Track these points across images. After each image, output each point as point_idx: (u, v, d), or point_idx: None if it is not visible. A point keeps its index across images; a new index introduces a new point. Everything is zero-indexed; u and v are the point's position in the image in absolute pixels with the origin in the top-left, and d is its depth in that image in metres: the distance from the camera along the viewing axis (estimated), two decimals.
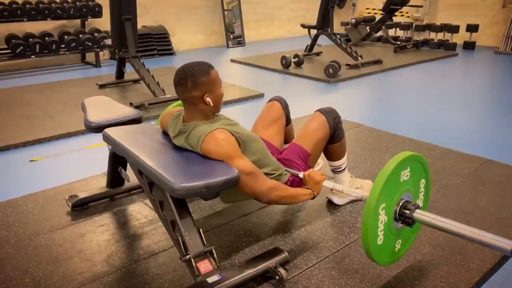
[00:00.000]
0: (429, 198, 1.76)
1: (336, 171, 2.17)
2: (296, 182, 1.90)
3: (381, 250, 1.52)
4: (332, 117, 2.01)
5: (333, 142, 2.06)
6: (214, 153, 1.58)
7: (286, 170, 1.90)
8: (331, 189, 2.20)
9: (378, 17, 7.66)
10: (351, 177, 2.25)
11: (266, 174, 1.76)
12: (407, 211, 1.52)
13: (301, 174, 1.87)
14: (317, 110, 2.06)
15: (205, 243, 1.59)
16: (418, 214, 1.52)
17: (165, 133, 1.92)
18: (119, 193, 2.34)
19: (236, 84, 5.04)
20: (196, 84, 1.61)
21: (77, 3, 6.15)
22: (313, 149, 1.99)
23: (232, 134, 1.64)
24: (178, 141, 1.73)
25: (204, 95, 1.63)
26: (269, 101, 2.20)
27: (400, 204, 1.54)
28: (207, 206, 2.23)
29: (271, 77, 5.66)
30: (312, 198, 1.81)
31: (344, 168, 2.17)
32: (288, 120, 2.21)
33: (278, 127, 2.13)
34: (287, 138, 2.21)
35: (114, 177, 2.27)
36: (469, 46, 7.45)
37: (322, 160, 2.59)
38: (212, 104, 1.66)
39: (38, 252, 1.86)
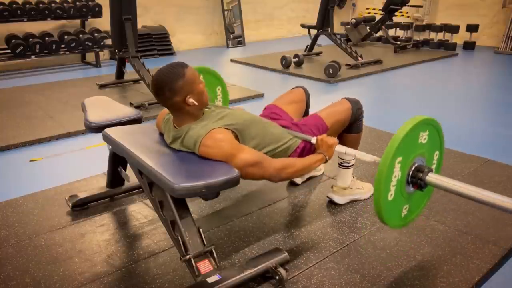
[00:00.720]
0: (441, 169, 1.74)
1: (344, 165, 2.17)
2: (307, 149, 1.88)
3: (389, 207, 1.50)
4: (357, 107, 2.06)
5: (351, 131, 2.09)
6: (214, 156, 1.58)
7: (297, 136, 1.89)
8: (332, 187, 2.22)
9: (378, 17, 7.66)
10: (353, 177, 2.25)
11: (272, 150, 1.75)
12: (420, 173, 1.52)
13: (313, 139, 1.86)
14: (344, 97, 2.10)
15: (205, 243, 1.59)
16: (431, 177, 1.51)
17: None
18: (119, 193, 2.33)
19: (236, 84, 5.04)
20: (173, 91, 1.58)
21: (77, 3, 6.15)
22: (332, 126, 1.99)
23: (228, 129, 1.62)
24: (174, 146, 1.72)
25: (186, 98, 1.60)
26: (293, 88, 2.24)
27: (414, 166, 1.53)
28: (207, 206, 2.23)
29: (271, 77, 5.65)
30: (325, 162, 1.81)
31: (352, 165, 2.18)
32: (307, 110, 2.22)
33: (298, 108, 2.14)
34: None
35: (114, 177, 2.27)
36: (469, 46, 7.44)
37: (323, 165, 2.60)
38: (196, 103, 1.63)
39: (38, 252, 1.86)
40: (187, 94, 1.60)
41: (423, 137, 1.55)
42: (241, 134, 1.68)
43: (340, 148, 1.86)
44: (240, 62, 6.54)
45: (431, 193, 1.77)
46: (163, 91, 1.59)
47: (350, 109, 2.04)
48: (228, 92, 2.64)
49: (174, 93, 1.59)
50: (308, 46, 6.66)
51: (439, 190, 2.33)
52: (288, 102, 2.14)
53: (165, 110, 1.90)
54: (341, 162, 2.17)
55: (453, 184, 1.48)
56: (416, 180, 1.53)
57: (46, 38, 5.87)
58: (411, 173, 1.53)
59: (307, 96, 2.23)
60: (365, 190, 2.27)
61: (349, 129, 2.09)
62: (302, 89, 2.24)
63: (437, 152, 1.67)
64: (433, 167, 1.69)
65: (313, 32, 6.56)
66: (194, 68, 1.67)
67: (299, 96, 2.20)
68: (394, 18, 7.91)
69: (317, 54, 6.87)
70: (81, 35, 6.11)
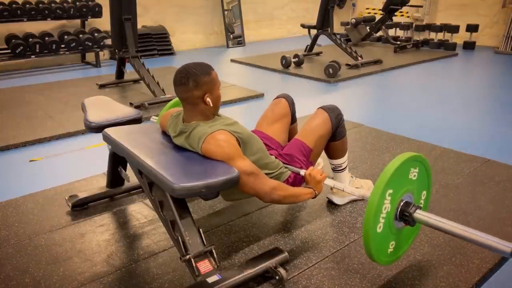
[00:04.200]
0: (428, 209, 1.75)
1: (336, 169, 2.17)
2: (298, 180, 1.90)
3: (378, 241, 1.51)
4: (335, 115, 2.01)
5: (334, 139, 2.06)
6: (214, 154, 1.58)
7: (287, 167, 1.91)
8: (331, 188, 2.21)
9: (378, 17, 7.66)
10: (351, 177, 2.25)
11: (266, 174, 1.76)
12: (408, 209, 1.52)
13: (302, 172, 1.88)
14: (320, 107, 2.06)
15: (205, 243, 1.59)
16: (419, 214, 1.52)
17: (165, 133, 1.92)
18: (119, 193, 2.34)
19: (236, 84, 5.04)
20: (197, 83, 1.62)
21: (77, 3, 6.15)
22: (315, 145, 1.99)
23: (233, 135, 1.64)
24: (178, 140, 1.73)
25: (205, 95, 1.64)
26: (275, 98, 2.20)
27: (402, 202, 1.54)
28: (207, 206, 2.23)
29: (271, 77, 5.65)
30: (314, 197, 1.81)
31: (345, 168, 2.17)
32: (293, 119, 2.21)
33: (283, 125, 2.13)
34: (291, 136, 2.21)
35: (114, 177, 2.27)
36: (469, 46, 7.44)
37: (322, 160, 2.59)
38: (211, 105, 1.66)
39: (38, 252, 1.86)
40: (207, 92, 1.64)
41: (413, 174, 1.57)
42: (244, 145, 1.69)
43: (329, 182, 1.87)
44: (240, 62, 6.54)
45: (417, 232, 1.77)
46: (187, 80, 1.62)
47: (329, 119, 1.99)
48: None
49: (196, 86, 1.62)
50: (308, 46, 6.66)
51: (438, 190, 2.34)
52: (272, 121, 2.11)
53: (171, 111, 1.91)
54: (333, 168, 2.17)
55: (440, 221, 1.48)
56: (404, 215, 1.54)
57: (46, 38, 5.87)
58: (400, 208, 1.54)
59: (291, 105, 2.18)
60: (365, 188, 2.26)
61: (333, 137, 2.05)
62: (284, 99, 2.17)
63: (424, 192, 1.69)
64: (422, 202, 1.70)
65: (313, 32, 6.56)
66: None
67: (282, 110, 2.14)
68: (394, 18, 7.91)
69: (317, 54, 6.87)
70: (81, 35, 6.11)
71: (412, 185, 1.59)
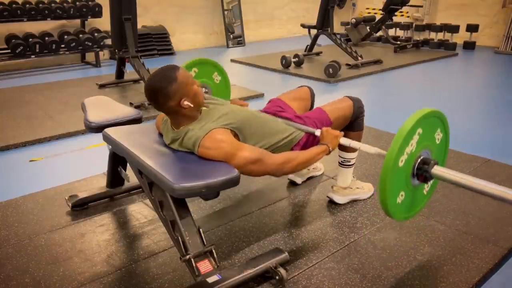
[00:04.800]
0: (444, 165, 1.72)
1: (344, 163, 2.17)
2: (310, 142, 1.88)
3: (395, 198, 1.49)
4: (358, 105, 2.06)
5: (351, 129, 2.09)
6: (212, 157, 1.57)
7: (300, 129, 1.89)
8: (332, 187, 2.22)
9: (378, 17, 7.66)
10: (353, 177, 2.25)
11: (273, 144, 1.75)
12: (426, 166, 1.51)
13: (317, 132, 1.85)
14: (345, 96, 2.11)
15: (205, 243, 1.59)
16: (437, 170, 1.50)
17: None
18: (119, 193, 2.33)
19: (236, 84, 5.03)
20: (167, 96, 1.56)
21: (77, 3, 6.15)
22: (334, 121, 1.99)
23: (226, 128, 1.61)
24: (173, 146, 1.72)
25: (180, 101, 1.58)
26: (299, 87, 2.26)
27: (420, 159, 1.52)
28: (207, 206, 2.23)
29: (271, 77, 5.65)
30: (328, 154, 1.79)
31: (352, 164, 2.18)
32: (311, 109, 2.22)
33: (301, 104, 2.14)
34: None
35: (114, 177, 2.27)
36: (469, 46, 7.44)
37: (323, 166, 2.60)
38: (192, 105, 1.61)
39: (38, 252, 1.86)
40: (181, 97, 1.58)
41: (430, 129, 1.54)
42: (240, 132, 1.67)
43: (344, 141, 1.85)
44: (240, 62, 6.54)
45: (435, 187, 1.75)
46: (156, 98, 1.58)
47: (352, 106, 2.04)
48: (227, 75, 2.65)
49: (168, 98, 1.57)
50: (308, 46, 6.66)
51: (438, 190, 2.34)
52: (293, 98, 2.14)
53: (162, 114, 1.90)
54: (341, 161, 2.17)
55: (458, 176, 1.46)
56: (421, 172, 1.52)
57: (46, 38, 5.86)
58: (417, 165, 1.52)
59: (312, 95, 2.23)
60: (365, 190, 2.27)
61: (351, 126, 2.09)
62: (308, 88, 2.24)
63: (442, 146, 1.66)
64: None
65: (313, 32, 6.55)
66: (186, 69, 1.66)
67: (304, 94, 2.20)
68: (394, 18, 7.91)
69: (317, 54, 6.86)
70: (81, 35, 6.11)
71: (429, 141, 1.56)
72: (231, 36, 8.23)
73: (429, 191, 1.72)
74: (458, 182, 1.47)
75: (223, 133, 1.59)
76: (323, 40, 6.63)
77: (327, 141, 1.80)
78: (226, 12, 8.12)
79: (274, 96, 2.23)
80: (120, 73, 5.01)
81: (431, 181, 1.64)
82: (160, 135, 1.91)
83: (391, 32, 8.26)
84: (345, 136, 2.10)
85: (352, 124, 2.08)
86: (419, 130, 1.49)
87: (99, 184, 2.45)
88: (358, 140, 2.14)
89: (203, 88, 2.43)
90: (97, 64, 6.33)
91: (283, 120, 1.93)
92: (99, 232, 2.03)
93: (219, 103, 1.82)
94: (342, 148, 2.13)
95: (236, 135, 1.66)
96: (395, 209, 1.51)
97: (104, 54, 6.72)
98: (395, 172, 1.44)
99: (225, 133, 1.60)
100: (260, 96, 4.61)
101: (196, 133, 1.60)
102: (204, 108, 1.72)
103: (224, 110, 1.72)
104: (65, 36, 6.00)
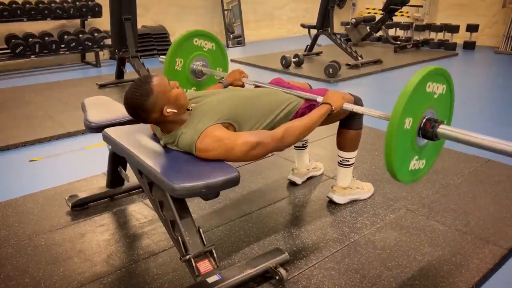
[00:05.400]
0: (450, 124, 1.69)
1: (343, 163, 2.17)
2: (309, 111, 1.83)
3: (400, 159, 1.46)
4: (359, 103, 2.03)
5: (350, 127, 2.08)
6: (212, 158, 1.56)
7: (300, 96, 1.86)
8: (332, 187, 2.22)
9: (378, 17, 7.66)
10: (353, 177, 2.25)
11: (271, 120, 1.73)
12: (432, 125, 1.48)
13: (319, 98, 1.81)
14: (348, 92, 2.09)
15: (205, 243, 1.59)
16: (443, 128, 1.47)
17: None
18: (119, 193, 2.33)
19: None
20: (147, 110, 1.53)
21: (77, 3, 6.15)
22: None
23: (218, 123, 1.59)
24: (170, 147, 1.70)
25: (163, 111, 1.55)
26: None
27: (425, 119, 1.49)
28: (207, 206, 2.23)
29: (271, 77, 5.61)
30: (330, 114, 1.75)
31: (351, 164, 2.18)
32: None
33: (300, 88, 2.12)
34: None
35: (114, 177, 2.27)
36: (469, 46, 7.44)
37: (323, 166, 2.60)
38: (176, 110, 1.57)
39: (38, 252, 1.86)
40: (162, 106, 1.54)
41: (434, 88, 1.51)
42: (234, 121, 1.64)
43: (347, 106, 1.78)
44: (240, 62, 6.54)
45: (441, 147, 1.72)
46: (138, 114, 1.55)
47: (352, 101, 2.01)
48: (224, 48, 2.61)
49: (149, 112, 1.53)
50: (308, 46, 6.65)
51: (438, 190, 2.34)
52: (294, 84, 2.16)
53: None
54: (340, 161, 2.17)
55: (464, 134, 1.44)
56: (427, 132, 1.49)
57: (46, 38, 5.86)
58: (422, 123, 1.49)
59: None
60: (365, 189, 2.27)
61: (350, 124, 2.08)
62: (308, 85, 2.28)
63: (447, 104, 1.62)
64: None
65: (313, 32, 6.56)
66: (162, 74, 1.63)
67: (305, 86, 2.22)
68: (394, 18, 7.91)
69: (317, 54, 6.86)
70: (81, 35, 6.11)
71: (433, 101, 1.53)
72: (231, 36, 8.23)
73: (436, 151, 1.68)
74: (463, 140, 1.43)
75: (216, 129, 1.56)
76: (323, 40, 6.63)
77: (331, 100, 1.75)
78: (226, 12, 8.12)
79: None
80: (120, 73, 5.01)
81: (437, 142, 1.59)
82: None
83: (391, 32, 8.26)
84: (344, 134, 2.11)
85: (351, 122, 2.08)
86: (425, 87, 1.46)
87: (99, 184, 2.45)
88: (357, 139, 2.14)
89: (199, 62, 2.39)
90: (97, 64, 6.33)
91: (283, 89, 1.91)
92: (99, 232, 2.03)
93: (205, 95, 1.76)
94: (342, 147, 2.14)
95: (231, 125, 1.63)
96: (401, 171, 1.49)
97: (104, 54, 6.72)
98: (400, 133, 1.41)
99: (218, 129, 1.56)
100: None
101: (189, 136, 1.57)
102: (192, 104, 1.68)
103: (212, 103, 1.68)
104: (65, 36, 6.00)
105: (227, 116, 1.63)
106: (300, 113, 1.83)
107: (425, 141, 1.54)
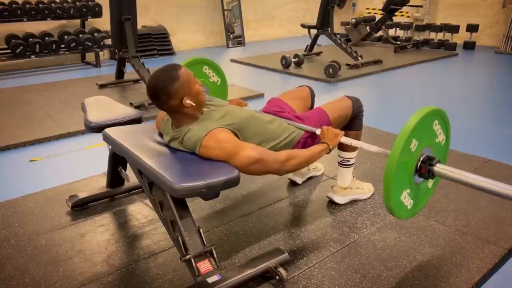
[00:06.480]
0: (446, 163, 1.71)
1: (343, 163, 2.17)
2: (308, 143, 1.87)
3: (399, 196, 1.48)
4: (357, 105, 2.07)
5: (350, 128, 2.09)
6: (215, 157, 1.56)
7: (300, 128, 1.88)
8: (332, 187, 2.22)
9: (378, 17, 7.66)
10: (353, 177, 2.25)
11: (273, 146, 1.75)
12: (429, 163, 1.50)
13: (318, 131, 1.85)
14: (344, 95, 2.11)
15: (205, 243, 1.59)
16: (440, 168, 1.49)
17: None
18: (119, 193, 2.33)
19: (236, 84, 5.04)
20: (169, 94, 1.56)
21: (77, 3, 6.15)
22: (334, 121, 1.99)
23: (227, 128, 1.61)
24: (173, 145, 1.71)
25: (183, 100, 1.58)
26: (299, 86, 2.27)
27: (423, 156, 1.51)
28: (207, 206, 2.23)
29: (271, 77, 5.65)
30: (328, 153, 1.80)
31: (352, 164, 2.18)
32: (311, 109, 2.22)
33: (301, 104, 2.14)
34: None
35: (114, 177, 2.27)
36: (469, 46, 7.45)
37: (323, 166, 2.60)
38: (194, 104, 1.61)
39: (38, 252, 1.86)
40: (183, 96, 1.58)
41: (432, 127, 1.54)
42: (240, 133, 1.66)
43: (345, 140, 1.85)
44: (240, 62, 6.54)
45: (436, 186, 1.75)
46: (158, 96, 1.57)
47: (351, 106, 2.05)
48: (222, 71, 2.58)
49: (170, 97, 1.57)
50: (308, 46, 6.66)
51: (438, 190, 2.34)
52: (293, 97, 2.15)
53: (162, 114, 1.89)
54: (341, 161, 2.18)
55: (460, 174, 1.46)
56: (425, 169, 1.51)
57: (46, 38, 5.87)
58: (420, 161, 1.51)
59: (313, 95, 2.24)
60: (365, 190, 2.27)
61: (350, 126, 2.09)
62: (308, 88, 2.25)
63: (444, 144, 1.66)
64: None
65: (313, 32, 6.56)
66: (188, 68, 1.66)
67: (304, 93, 2.21)
68: (394, 18, 7.91)
69: (317, 54, 6.87)
70: (81, 35, 6.12)
71: (431, 139, 1.55)
72: (231, 36, 8.23)
73: (431, 188, 1.72)
74: (460, 180, 1.46)
75: (224, 132, 1.59)
76: (323, 40, 6.63)
77: (327, 140, 1.81)
78: (226, 12, 8.12)
79: (274, 95, 2.23)
80: (120, 73, 5.01)
81: (434, 179, 1.63)
82: (160, 134, 1.90)
83: (391, 32, 8.27)
84: (344, 135, 2.11)
85: (351, 123, 2.09)
86: (423, 128, 1.48)
87: (99, 184, 2.45)
88: (357, 139, 2.14)
89: (201, 87, 2.42)
90: (97, 64, 6.34)
91: (283, 120, 1.93)
92: (99, 232, 2.03)
93: (219, 103, 1.82)
94: (342, 147, 2.14)
95: (236, 136, 1.65)
96: (398, 207, 1.51)
97: (104, 54, 6.73)
98: (399, 170, 1.43)
99: (226, 133, 1.59)
100: (260, 96, 4.61)
101: (197, 132, 1.59)
102: (205, 109, 1.72)
103: (225, 110, 1.72)
104: (65, 36, 6.00)
105: (236, 125, 1.65)
106: (302, 142, 1.86)
107: (422, 179, 1.57)
